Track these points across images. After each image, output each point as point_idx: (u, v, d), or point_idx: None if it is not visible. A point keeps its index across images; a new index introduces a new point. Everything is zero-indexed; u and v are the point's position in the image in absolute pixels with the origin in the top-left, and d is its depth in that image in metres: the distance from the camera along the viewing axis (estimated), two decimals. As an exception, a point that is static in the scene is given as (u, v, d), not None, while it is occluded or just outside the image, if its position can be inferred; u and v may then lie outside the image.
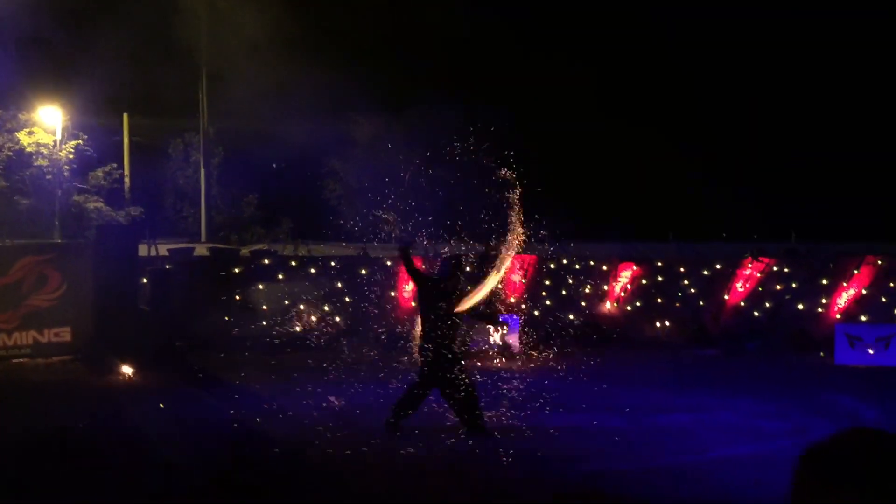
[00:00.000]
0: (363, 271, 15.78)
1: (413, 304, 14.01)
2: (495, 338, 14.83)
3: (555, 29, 30.69)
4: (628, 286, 15.81)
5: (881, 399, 10.69)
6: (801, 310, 15.30)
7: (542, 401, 10.47)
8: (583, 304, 15.62)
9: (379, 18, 28.16)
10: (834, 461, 1.46)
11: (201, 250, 17.49)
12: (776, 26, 32.47)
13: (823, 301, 15.27)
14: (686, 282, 15.87)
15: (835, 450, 1.49)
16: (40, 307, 12.88)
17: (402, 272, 15.83)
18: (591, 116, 29.29)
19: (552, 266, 15.98)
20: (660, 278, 15.88)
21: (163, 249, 16.76)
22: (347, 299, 14.99)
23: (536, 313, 15.56)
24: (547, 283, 15.93)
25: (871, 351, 13.56)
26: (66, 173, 19.63)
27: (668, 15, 32.18)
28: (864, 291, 15.13)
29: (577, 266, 15.77)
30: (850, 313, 14.99)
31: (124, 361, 11.87)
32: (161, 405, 9.81)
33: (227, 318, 14.51)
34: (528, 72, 28.43)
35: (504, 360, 13.67)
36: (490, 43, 26.20)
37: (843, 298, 15.16)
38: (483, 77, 25.61)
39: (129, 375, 11.69)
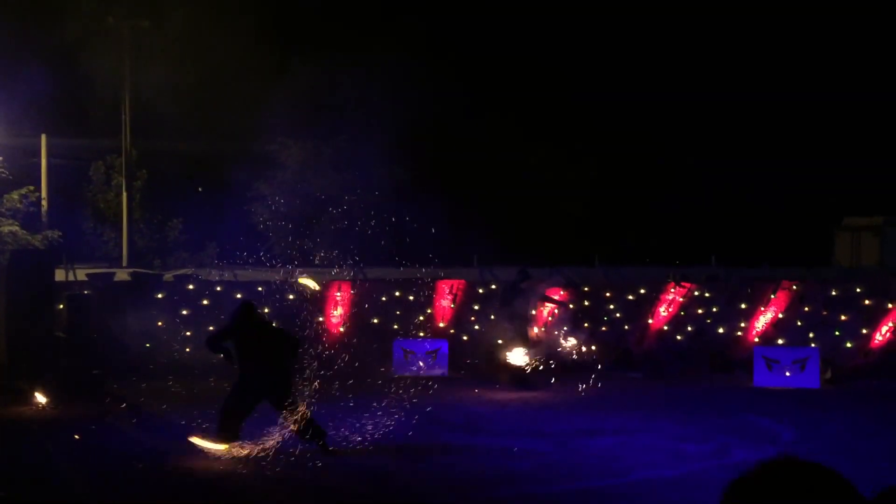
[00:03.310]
0: (290, 296, 15.59)
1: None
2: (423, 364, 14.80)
3: (480, 60, 31.09)
4: (556, 310, 15.98)
5: (798, 420, 11.00)
6: (721, 333, 15.70)
7: (467, 425, 10.47)
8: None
9: (306, 44, 28.11)
10: (760, 493, 1.48)
11: (122, 275, 17.02)
12: (693, 50, 33.60)
13: (742, 325, 15.70)
14: (611, 306, 16.14)
15: (761, 480, 1.50)
16: (-51, 334, 12.33)
17: (331, 297, 15.71)
18: (515, 143, 29.67)
19: (480, 291, 16.06)
20: (586, 302, 16.11)
21: (81, 274, 16.24)
22: (274, 324, 14.74)
23: (465, 338, 15.60)
24: (476, 307, 16.00)
25: (787, 373, 13.97)
26: (-22, 196, 18.93)
27: (586, 43, 32.98)
28: (780, 315, 15.61)
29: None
30: (768, 337, 15.44)
31: (39, 390, 11.43)
32: (75, 436, 9.45)
33: (147, 345, 14.14)
34: (453, 98, 28.69)
35: (433, 384, 13.62)
36: (421, 76, 26.38)
37: (761, 322, 15.61)
38: (413, 105, 25.77)
39: (43, 405, 11.26)
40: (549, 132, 30.15)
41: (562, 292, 16.00)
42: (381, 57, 26.01)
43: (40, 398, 11.35)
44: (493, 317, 15.29)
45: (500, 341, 14.77)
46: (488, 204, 29.00)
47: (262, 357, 8.96)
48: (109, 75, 25.01)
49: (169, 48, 24.43)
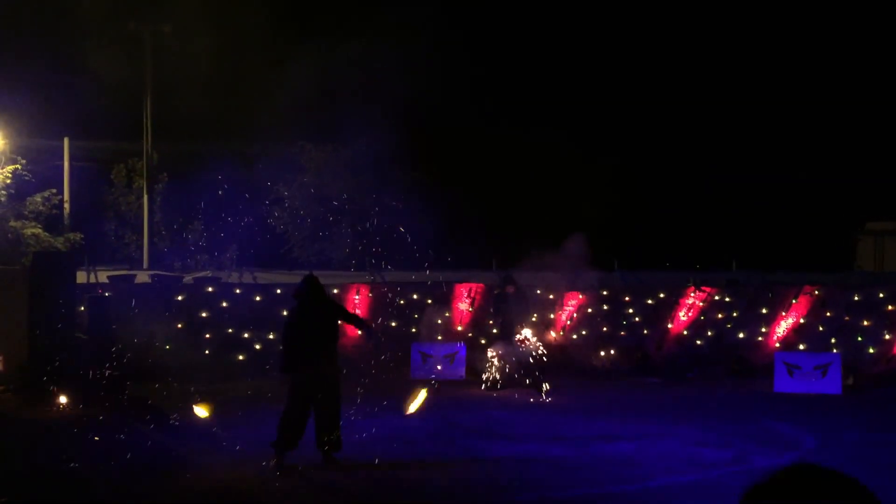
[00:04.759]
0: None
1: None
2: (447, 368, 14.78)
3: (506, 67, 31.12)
4: (574, 315, 15.92)
5: (819, 427, 10.88)
6: (741, 338, 15.57)
7: (485, 429, 10.43)
8: (529, 332, 15.65)
9: (323, 49, 28.22)
10: (778, 500, 1.45)
11: (143, 277, 17.14)
12: (718, 53, 33.43)
13: (763, 330, 15.56)
14: (631, 310, 16.05)
15: (779, 487, 1.47)
16: (-29, 335, 12.45)
17: (350, 299, 15.72)
18: (531, 145, 29.63)
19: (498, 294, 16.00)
20: (605, 307, 16.03)
21: (103, 276, 16.37)
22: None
23: (483, 341, 15.56)
24: (493, 311, 15.95)
25: (809, 379, 13.82)
26: (2, 198, 19.12)
27: (626, 49, 32.89)
28: (801, 321, 15.46)
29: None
30: (789, 342, 15.29)
31: (59, 391, 11.51)
32: (94, 437, 9.51)
33: (167, 347, 14.21)
34: (469, 102, 28.71)
35: (450, 388, 13.60)
36: (440, 81, 26.43)
37: (782, 327, 15.46)
38: (433, 111, 25.82)
39: (64, 406, 11.34)
40: (567, 134, 30.09)
41: (580, 296, 15.94)
42: (395, 58, 26.07)
43: (60, 399, 11.43)
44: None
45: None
46: (505, 207, 28.96)
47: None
48: (131, 79, 25.22)
49: (189, 52, 24.61)
